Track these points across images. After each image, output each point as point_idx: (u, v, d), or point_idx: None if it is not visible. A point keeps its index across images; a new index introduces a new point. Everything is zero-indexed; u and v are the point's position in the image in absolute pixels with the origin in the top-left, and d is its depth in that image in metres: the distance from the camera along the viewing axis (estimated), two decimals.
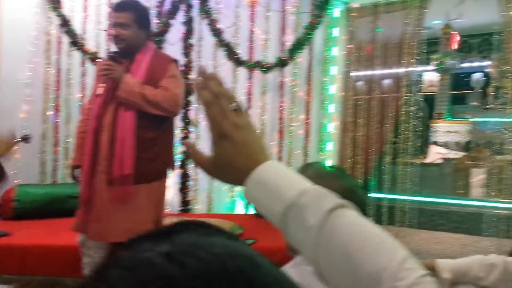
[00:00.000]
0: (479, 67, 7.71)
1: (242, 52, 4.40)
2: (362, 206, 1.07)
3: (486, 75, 7.33)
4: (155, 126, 2.37)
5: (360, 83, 5.38)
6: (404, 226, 5.56)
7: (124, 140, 2.30)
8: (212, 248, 0.34)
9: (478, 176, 6.07)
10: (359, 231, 0.59)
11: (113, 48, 2.53)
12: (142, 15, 2.44)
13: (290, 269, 1.07)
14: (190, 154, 0.71)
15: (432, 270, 1.66)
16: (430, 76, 7.91)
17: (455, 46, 7.15)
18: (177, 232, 0.37)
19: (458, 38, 7.00)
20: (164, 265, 0.33)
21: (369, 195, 5.67)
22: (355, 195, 1.05)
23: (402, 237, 5.49)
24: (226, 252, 0.34)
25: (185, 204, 4.52)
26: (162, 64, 2.43)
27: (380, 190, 5.74)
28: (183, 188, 4.50)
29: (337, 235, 0.57)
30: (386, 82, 5.84)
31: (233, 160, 0.64)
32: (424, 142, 7.32)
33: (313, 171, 1.10)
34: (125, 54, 2.42)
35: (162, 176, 2.44)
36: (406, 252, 0.57)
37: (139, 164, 2.29)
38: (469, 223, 5.85)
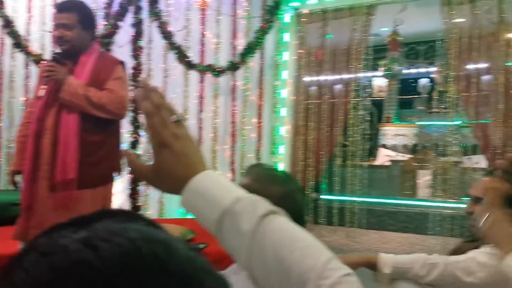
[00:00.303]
0: (426, 72, 8.03)
1: (193, 56, 4.38)
2: (300, 210, 1.09)
3: (432, 80, 7.65)
4: (100, 129, 2.32)
5: (311, 88, 5.46)
6: (355, 227, 5.70)
7: (67, 144, 2.23)
8: (128, 233, 0.35)
9: (424, 177, 6.32)
10: (288, 236, 0.62)
11: (57, 49, 2.46)
12: (86, 15, 2.39)
13: (231, 275, 1.07)
14: (129, 163, 0.71)
15: (375, 265, 1.71)
16: (378, 81, 8.16)
17: (401, 51, 7.42)
18: (97, 219, 0.37)
19: (403, 44, 7.27)
20: (79, 250, 0.33)
21: (320, 196, 5.80)
22: (293, 200, 1.07)
23: (353, 237, 5.62)
24: (141, 237, 0.35)
25: (136, 209, 4.43)
26: (108, 66, 2.38)
27: (331, 192, 5.89)
28: (133, 193, 4.41)
29: (268, 241, 0.60)
30: (336, 86, 5.96)
31: (172, 169, 0.66)
32: (373, 145, 7.56)
33: (254, 175, 1.12)
34: (69, 55, 2.35)
35: (108, 180, 2.38)
36: (330, 254, 0.61)
37: (82, 168, 2.23)
38: (417, 223, 6.06)
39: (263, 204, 0.65)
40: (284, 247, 0.60)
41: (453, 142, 6.34)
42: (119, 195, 4.23)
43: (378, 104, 8.19)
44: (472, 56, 4.44)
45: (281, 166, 5.11)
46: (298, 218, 1.05)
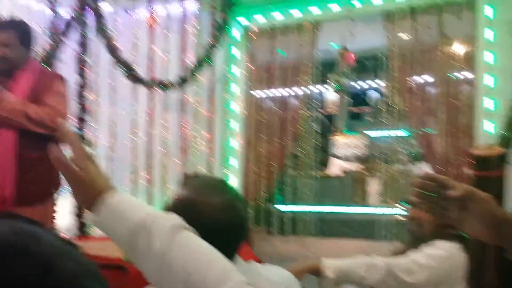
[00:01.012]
0: (375, 86, 8.28)
1: (142, 71, 4.36)
2: (242, 220, 1.07)
3: (380, 93, 7.89)
4: (38, 145, 2.27)
5: (262, 102, 5.54)
6: (308, 236, 5.77)
7: (3, 161, 2.17)
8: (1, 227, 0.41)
9: (374, 186, 6.50)
10: (196, 251, 0.67)
11: None
12: (24, 33, 2.38)
13: None
14: (54, 160, 0.76)
15: (319, 271, 1.74)
16: (329, 95, 8.37)
17: (350, 65, 7.66)
18: None
19: (353, 57, 7.51)
20: None
21: (274, 207, 5.86)
22: (234, 210, 1.05)
23: (306, 246, 5.69)
24: (11, 230, 0.41)
25: (82, 227, 4.31)
26: (46, 81, 2.35)
27: (284, 202, 5.98)
28: (79, 210, 4.29)
29: (176, 257, 0.66)
30: (288, 100, 6.07)
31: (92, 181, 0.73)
32: (325, 156, 7.74)
33: (192, 186, 1.09)
34: (6, 72, 2.31)
35: (47, 198, 2.33)
36: (232, 266, 0.68)
37: (20, 185, 2.18)
38: (368, 229, 6.21)
39: (171, 219, 0.70)
40: (191, 263, 0.65)
41: (401, 151, 6.60)
42: (65, 215, 4.11)
43: (329, 116, 8.39)
44: (415, 69, 4.63)
45: (233, 179, 5.13)
46: (240, 227, 1.05)
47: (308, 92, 5.52)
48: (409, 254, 1.79)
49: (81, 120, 4.17)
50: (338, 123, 7.97)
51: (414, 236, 1.93)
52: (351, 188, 6.65)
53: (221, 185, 1.11)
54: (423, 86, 4.62)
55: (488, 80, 4.02)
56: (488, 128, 3.95)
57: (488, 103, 4.01)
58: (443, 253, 1.74)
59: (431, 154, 4.57)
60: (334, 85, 7.59)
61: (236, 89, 5.14)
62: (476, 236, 0.86)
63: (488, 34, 4.06)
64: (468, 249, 1.87)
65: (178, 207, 1.05)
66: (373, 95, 8.15)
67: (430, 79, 4.57)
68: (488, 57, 4.03)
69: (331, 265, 1.71)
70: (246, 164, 5.27)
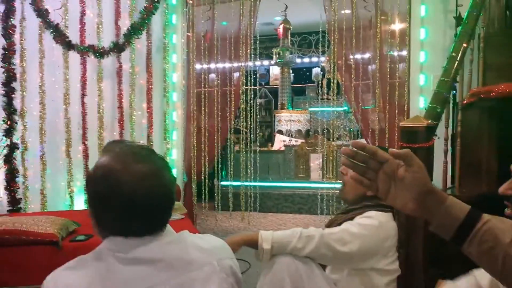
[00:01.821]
0: (317, 62, 8.36)
1: (73, 36, 4.12)
2: (169, 189, 1.03)
3: (322, 69, 7.95)
4: None
5: (202, 74, 5.42)
6: (252, 211, 5.80)
7: None
8: None
9: (316, 161, 6.61)
10: None
11: None
12: None
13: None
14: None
15: (255, 241, 1.73)
16: (273, 69, 8.36)
17: (286, 39, 7.64)
18: None
19: (282, 31, 7.47)
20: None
21: (217, 181, 5.80)
22: (160, 178, 1.02)
23: (250, 221, 5.72)
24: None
25: (15, 202, 4.10)
26: None
27: (227, 178, 5.95)
28: (11, 185, 4.07)
29: None
30: (230, 73, 5.98)
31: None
32: (269, 131, 7.77)
33: (114, 153, 1.03)
34: None
35: None
36: None
37: None
38: (310, 204, 6.35)
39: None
40: None
41: (341, 127, 6.73)
42: None
43: (273, 92, 8.41)
44: (353, 45, 4.66)
45: (175, 152, 5.03)
46: (164, 197, 1.02)
47: (251, 65, 5.44)
48: (342, 224, 1.81)
49: (8, 87, 3.92)
50: (282, 98, 8.00)
51: (346, 205, 1.96)
52: (294, 163, 6.74)
53: (146, 152, 1.06)
54: (361, 63, 4.69)
55: (420, 56, 4.13)
56: (421, 103, 4.08)
57: (421, 79, 4.13)
58: (374, 222, 1.76)
59: (368, 130, 4.67)
60: (278, 59, 7.58)
61: (175, 58, 4.98)
62: (401, 208, 0.86)
63: (421, 10, 4.16)
64: (398, 218, 1.92)
65: (97, 175, 1.02)
66: (315, 71, 8.22)
67: (368, 55, 4.63)
68: (420, 33, 4.14)
69: (267, 237, 1.70)
70: (188, 138, 5.14)
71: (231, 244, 1.38)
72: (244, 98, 5.51)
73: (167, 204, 1.05)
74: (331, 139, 5.95)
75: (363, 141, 5.49)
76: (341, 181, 1.95)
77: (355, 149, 0.85)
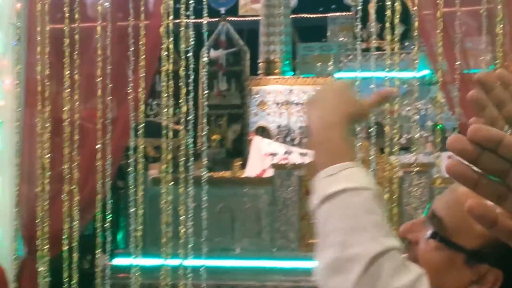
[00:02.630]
0: None
1: None
2: None
3: None
4: None
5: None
6: None
7: None
8: None
9: None
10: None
11: None
12: None
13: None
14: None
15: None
16: None
17: None
18: None
19: None
20: None
21: (114, 260, 3.32)
22: None
23: None
24: None
25: None
26: None
27: (128, 250, 3.28)
28: None
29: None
30: None
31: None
32: (237, 130, 4.60)
33: None
34: None
35: None
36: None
37: None
38: None
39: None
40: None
41: (412, 119, 3.45)
42: None
43: (250, 33, 4.99)
44: None
45: None
46: None
47: None
48: None
49: None
50: (267, 50, 4.33)
51: None
52: (298, 213, 3.48)
53: None
54: None
55: None
56: None
57: None
58: None
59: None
60: None
61: None
62: None
63: None
64: None
65: None
66: None
67: None
68: None
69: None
70: (28, 148, 3.08)
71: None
72: (171, 48, 2.98)
73: None
74: (386, 149, 3.11)
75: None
76: (408, 252, 0.86)
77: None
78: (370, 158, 2.76)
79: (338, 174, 0.71)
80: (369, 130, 2.78)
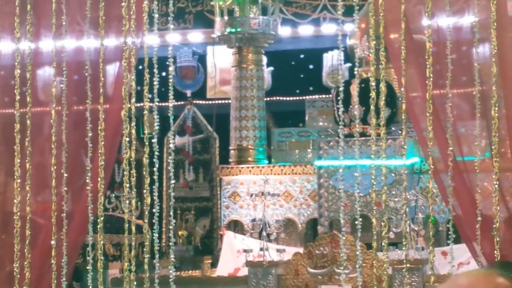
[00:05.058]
0: (334, 33, 5.41)
1: None
2: None
3: (348, 51, 4.69)
4: None
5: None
6: None
7: None
8: None
9: None
10: None
11: None
12: None
13: None
14: None
15: None
16: (217, 54, 4.64)
17: None
18: None
19: None
20: None
21: None
22: None
23: None
24: None
25: None
26: None
27: None
28: None
29: None
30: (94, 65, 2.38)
31: None
32: (206, 226, 4.23)
33: None
34: None
35: None
36: None
37: None
38: None
39: None
40: None
41: (402, 210, 2.68)
42: None
43: (220, 117, 4.68)
44: None
45: None
46: None
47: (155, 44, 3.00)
48: None
49: None
50: (239, 135, 3.90)
51: None
52: None
53: None
54: (455, 38, 2.92)
55: None
56: None
57: None
58: None
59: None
60: (228, 28, 3.54)
61: None
62: None
63: None
64: None
65: None
66: (329, 58, 4.77)
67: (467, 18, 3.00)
68: None
69: None
70: None
71: None
72: (133, 134, 2.61)
73: None
74: (374, 244, 2.84)
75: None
76: None
77: None
78: (356, 254, 2.49)
79: None
80: (355, 223, 2.54)
